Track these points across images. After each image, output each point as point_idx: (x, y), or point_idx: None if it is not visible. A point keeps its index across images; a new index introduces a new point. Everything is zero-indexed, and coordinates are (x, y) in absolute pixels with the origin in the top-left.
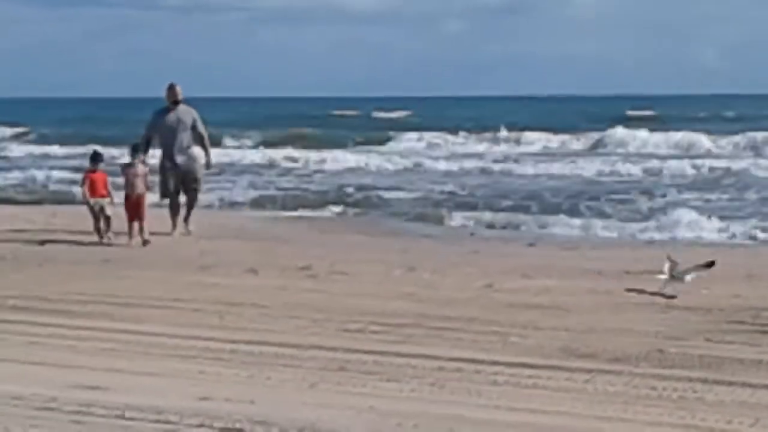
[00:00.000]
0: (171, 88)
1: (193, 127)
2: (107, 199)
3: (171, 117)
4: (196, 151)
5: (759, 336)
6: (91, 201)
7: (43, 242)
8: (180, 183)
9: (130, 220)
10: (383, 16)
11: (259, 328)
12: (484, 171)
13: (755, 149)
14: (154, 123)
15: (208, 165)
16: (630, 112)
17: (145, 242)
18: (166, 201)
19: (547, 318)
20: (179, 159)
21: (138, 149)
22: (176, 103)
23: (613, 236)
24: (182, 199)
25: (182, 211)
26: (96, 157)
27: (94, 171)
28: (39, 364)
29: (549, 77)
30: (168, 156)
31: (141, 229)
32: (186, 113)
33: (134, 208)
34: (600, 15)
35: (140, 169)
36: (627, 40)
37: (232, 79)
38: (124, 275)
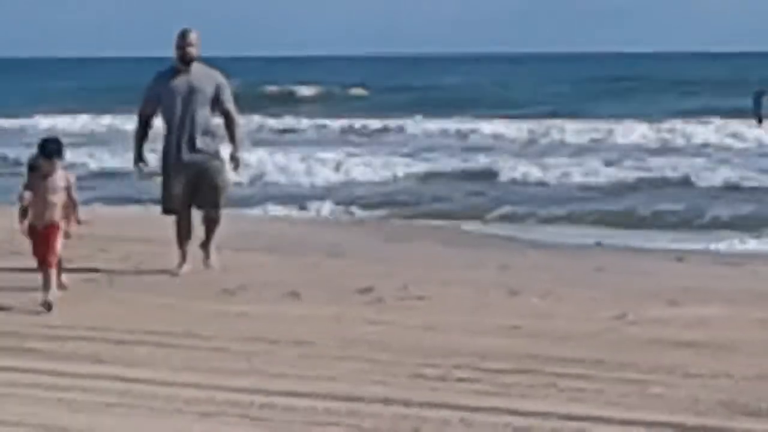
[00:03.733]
0: (183, 37)
1: (216, 101)
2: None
3: (179, 83)
4: (219, 141)
5: None
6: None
7: None
8: (192, 190)
9: (39, 263)
10: None
11: (301, 375)
12: None
13: None
14: (153, 92)
15: (236, 165)
16: None
17: (48, 305)
18: (171, 218)
19: (704, 360)
20: (189, 152)
21: (47, 146)
22: (188, 61)
23: None
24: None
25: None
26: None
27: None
28: None
29: None
30: (173, 146)
31: (46, 282)
32: (205, 78)
33: (41, 244)
34: None
35: (57, 177)
36: None
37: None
38: (115, 299)
